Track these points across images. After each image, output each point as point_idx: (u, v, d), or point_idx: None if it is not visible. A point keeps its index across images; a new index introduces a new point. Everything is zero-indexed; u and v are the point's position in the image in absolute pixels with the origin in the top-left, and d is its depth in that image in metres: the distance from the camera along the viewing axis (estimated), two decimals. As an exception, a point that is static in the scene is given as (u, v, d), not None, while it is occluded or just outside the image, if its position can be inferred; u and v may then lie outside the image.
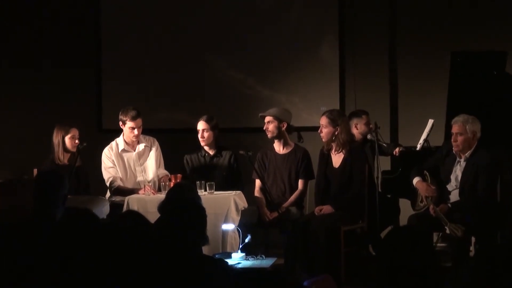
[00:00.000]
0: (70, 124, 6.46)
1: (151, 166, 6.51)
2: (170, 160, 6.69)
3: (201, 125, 6.48)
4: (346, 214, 5.94)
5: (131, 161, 6.49)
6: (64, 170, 6.04)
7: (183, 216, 3.38)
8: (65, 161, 6.38)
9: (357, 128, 6.57)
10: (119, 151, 6.48)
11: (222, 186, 6.24)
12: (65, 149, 6.38)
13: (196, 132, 6.50)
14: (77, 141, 6.38)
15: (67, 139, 6.38)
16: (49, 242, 3.04)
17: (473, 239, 5.76)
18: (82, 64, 7.88)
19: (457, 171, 5.77)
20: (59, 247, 3.00)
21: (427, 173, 5.89)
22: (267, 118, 6.34)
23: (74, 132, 6.41)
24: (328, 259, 5.71)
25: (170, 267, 3.08)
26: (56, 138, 6.39)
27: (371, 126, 6.45)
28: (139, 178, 6.46)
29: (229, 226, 5.87)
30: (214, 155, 6.55)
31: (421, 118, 6.84)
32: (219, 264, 3.30)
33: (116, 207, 6.08)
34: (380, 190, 6.26)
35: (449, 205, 5.71)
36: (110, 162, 6.43)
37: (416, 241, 2.68)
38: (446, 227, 5.53)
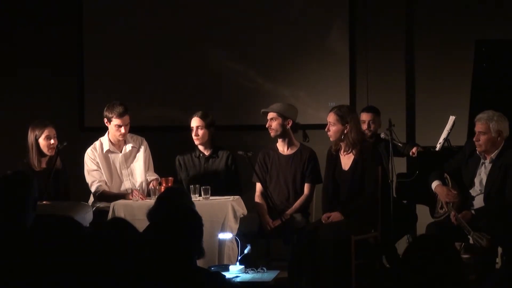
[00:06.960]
0: (45, 122, 6.27)
1: (139, 169, 6.50)
2: (160, 162, 6.69)
3: (195, 122, 6.48)
4: (357, 222, 5.94)
5: (117, 163, 6.48)
6: (42, 175, 6.02)
7: (176, 224, 3.38)
8: (43, 165, 6.26)
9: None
10: (104, 152, 6.47)
11: (219, 190, 6.23)
12: (40, 152, 6.21)
13: (190, 130, 6.50)
14: (52, 141, 6.20)
15: (41, 140, 6.19)
16: (21, 254, 3.03)
17: (499, 249, 5.76)
18: (61, 55, 7.85)
19: (482, 174, 5.77)
20: (35, 260, 3.00)
21: (448, 176, 5.90)
22: (270, 115, 6.34)
23: (50, 131, 6.21)
24: (337, 272, 5.72)
25: (160, 281, 3.07)
26: (29, 140, 6.21)
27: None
28: (126, 182, 6.46)
29: (226, 236, 5.87)
30: (210, 156, 6.55)
31: (441, 115, 6.85)
32: (215, 277, 3.30)
33: (100, 214, 6.11)
34: (395, 195, 6.28)
35: (473, 211, 5.72)
36: (94, 164, 6.42)
37: (442, 252, 2.64)
38: (469, 236, 5.53)
